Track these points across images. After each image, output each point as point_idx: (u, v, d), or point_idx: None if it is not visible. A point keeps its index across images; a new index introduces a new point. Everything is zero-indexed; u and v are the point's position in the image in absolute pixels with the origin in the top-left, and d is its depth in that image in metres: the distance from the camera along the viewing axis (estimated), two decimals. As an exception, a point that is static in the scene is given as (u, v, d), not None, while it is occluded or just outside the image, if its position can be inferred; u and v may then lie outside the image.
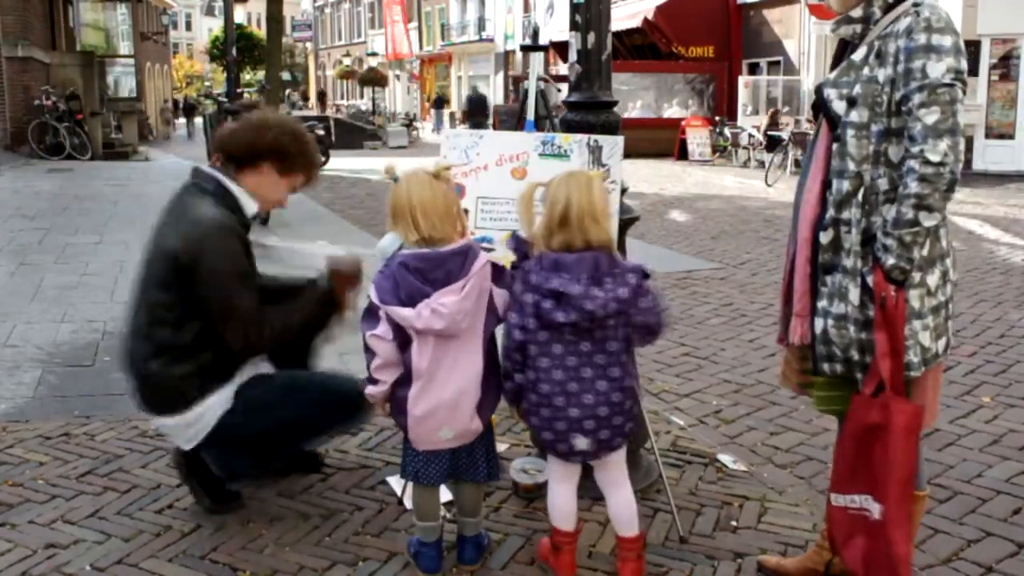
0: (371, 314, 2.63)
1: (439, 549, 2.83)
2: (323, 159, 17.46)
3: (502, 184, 3.16)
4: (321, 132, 18.39)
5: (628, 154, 3.31)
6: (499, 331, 2.77)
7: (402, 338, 2.61)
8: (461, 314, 2.56)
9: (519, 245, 2.71)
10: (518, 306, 2.59)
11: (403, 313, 2.55)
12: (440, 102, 41.20)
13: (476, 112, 30.46)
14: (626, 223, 3.27)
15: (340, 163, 17.77)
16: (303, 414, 3.10)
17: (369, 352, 2.65)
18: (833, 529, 2.51)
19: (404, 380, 2.65)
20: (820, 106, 2.45)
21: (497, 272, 2.69)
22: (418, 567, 2.82)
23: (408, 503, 3.23)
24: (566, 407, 2.57)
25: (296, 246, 3.13)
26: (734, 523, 3.16)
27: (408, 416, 2.65)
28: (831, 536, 2.54)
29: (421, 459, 2.73)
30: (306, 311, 3.13)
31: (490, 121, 25.02)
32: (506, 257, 2.81)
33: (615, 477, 2.76)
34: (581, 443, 2.61)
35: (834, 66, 2.51)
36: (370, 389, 2.70)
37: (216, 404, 3.01)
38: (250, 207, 3.08)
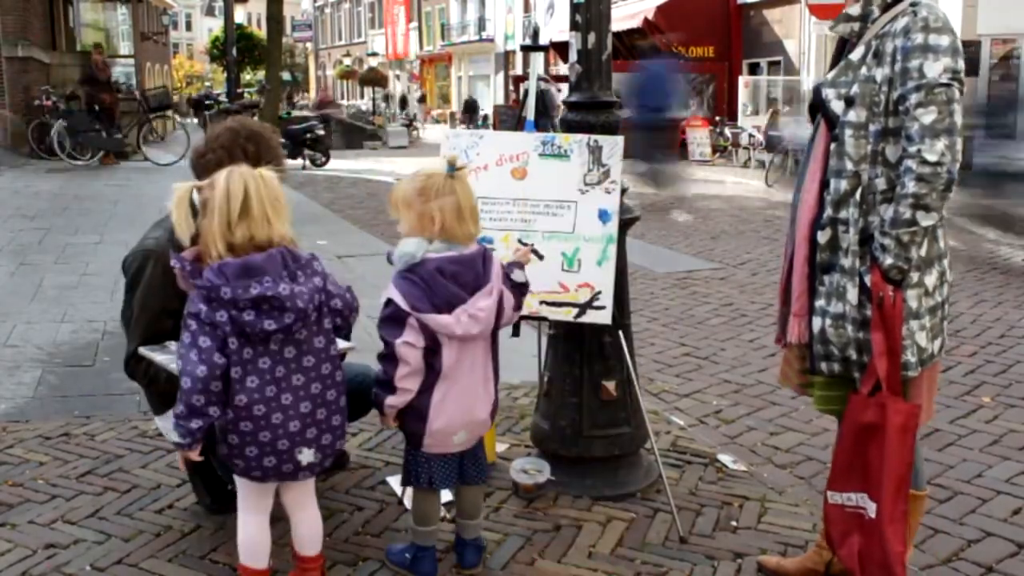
0: (395, 322, 2.50)
1: (434, 553, 2.81)
2: (323, 158, 17.53)
3: (502, 184, 3.16)
4: (321, 132, 18.42)
5: (628, 154, 3.31)
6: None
7: (429, 345, 2.53)
8: (491, 316, 2.56)
9: (180, 261, 2.37)
10: (208, 328, 2.29)
11: (442, 320, 2.47)
12: (387, 97, 42.06)
13: (468, 110, 31.70)
14: (626, 223, 3.27)
15: (340, 163, 17.78)
16: None
17: (392, 361, 2.52)
18: (829, 527, 2.52)
19: (423, 387, 2.58)
20: (818, 106, 2.45)
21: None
22: (417, 572, 2.78)
23: (408, 503, 3.23)
24: (285, 422, 2.38)
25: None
26: (734, 523, 3.16)
27: (428, 423, 2.59)
28: (827, 533, 2.55)
29: (435, 463, 2.68)
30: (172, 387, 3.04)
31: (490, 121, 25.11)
32: (505, 257, 2.82)
33: (308, 492, 2.61)
34: (307, 456, 2.44)
35: (832, 66, 2.52)
36: (391, 400, 2.56)
37: None
38: None
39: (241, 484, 2.55)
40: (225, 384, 2.33)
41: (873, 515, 2.36)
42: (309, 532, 2.63)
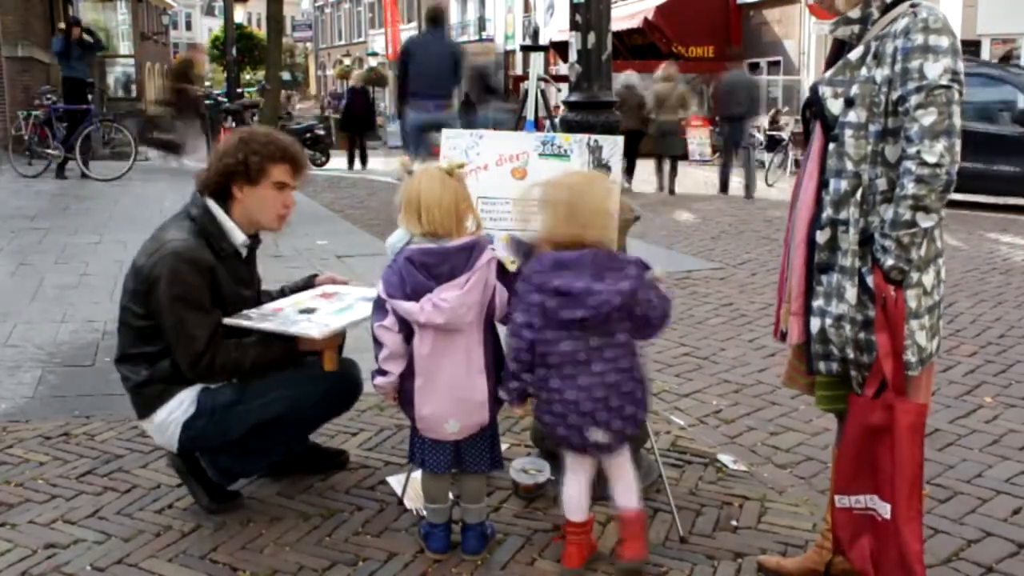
0: (380, 307, 2.71)
1: (448, 531, 2.92)
2: (323, 158, 17.55)
3: (502, 184, 3.16)
4: (321, 132, 18.43)
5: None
6: (501, 330, 2.80)
7: (408, 330, 2.69)
8: (464, 308, 2.63)
9: (519, 247, 2.74)
10: (524, 306, 2.61)
11: (406, 307, 2.64)
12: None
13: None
14: (626, 223, 3.27)
15: (340, 163, 17.78)
16: (273, 411, 3.07)
17: (378, 343, 2.73)
18: (838, 530, 2.51)
19: (411, 372, 2.72)
20: (813, 104, 2.45)
21: (500, 269, 2.75)
22: (427, 548, 2.91)
23: (408, 503, 3.24)
24: (578, 401, 2.60)
25: (276, 326, 3.04)
26: (734, 523, 3.16)
27: (415, 408, 2.74)
28: (836, 537, 2.54)
29: (428, 447, 2.82)
30: (264, 359, 3.05)
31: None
32: (506, 258, 2.82)
33: (625, 463, 2.79)
34: (597, 435, 2.64)
35: (827, 67, 2.52)
36: (378, 380, 2.77)
37: (177, 409, 3.04)
38: (237, 236, 3.10)
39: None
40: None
41: (887, 516, 2.35)
42: (625, 495, 2.79)
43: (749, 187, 13.19)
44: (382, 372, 2.75)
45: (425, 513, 2.98)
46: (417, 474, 3.15)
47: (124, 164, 13.14)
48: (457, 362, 2.69)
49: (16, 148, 13.58)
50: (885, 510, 2.36)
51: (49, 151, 13.13)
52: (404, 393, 2.77)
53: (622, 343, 2.63)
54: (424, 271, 2.65)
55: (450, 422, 2.74)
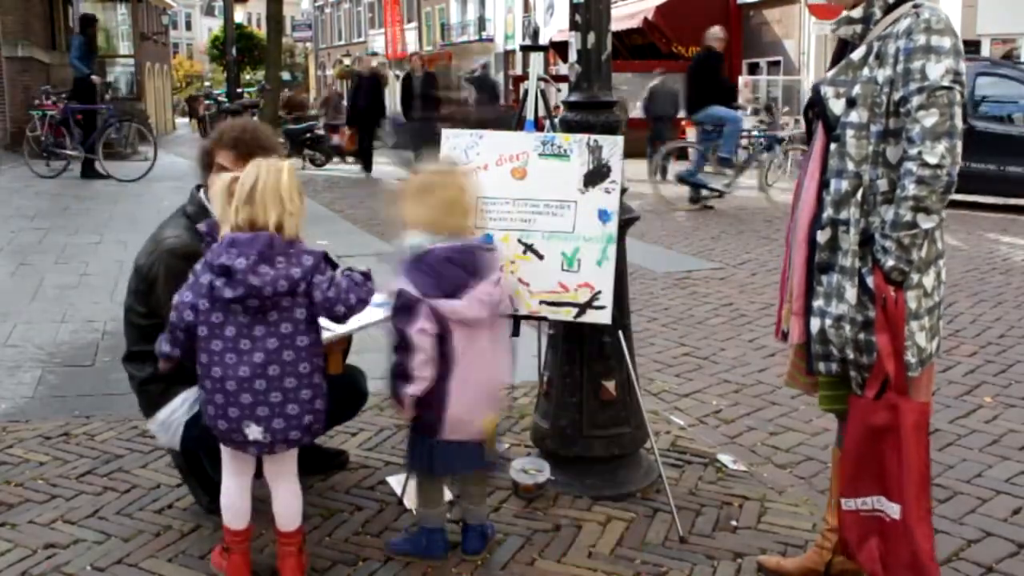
0: (408, 311, 2.58)
1: (444, 533, 2.90)
2: (323, 158, 17.51)
3: (502, 184, 3.16)
4: (322, 132, 18.41)
5: (628, 154, 3.31)
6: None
7: (441, 332, 2.61)
8: (502, 302, 2.69)
9: (209, 230, 2.67)
10: (196, 285, 2.53)
11: (452, 305, 2.58)
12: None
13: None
14: (626, 223, 3.27)
15: (340, 163, 17.76)
16: None
17: (406, 350, 2.58)
18: (845, 533, 2.50)
19: (437, 376, 2.63)
20: (815, 104, 2.45)
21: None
22: (428, 555, 2.87)
23: (408, 503, 3.23)
24: (237, 392, 2.50)
25: None
26: (734, 523, 3.16)
27: (447, 409, 2.64)
28: (843, 539, 2.53)
29: (453, 451, 2.71)
30: None
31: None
32: (506, 259, 2.83)
33: (284, 469, 2.69)
34: (254, 432, 2.52)
35: (832, 66, 2.52)
36: (411, 388, 2.60)
37: (180, 408, 3.04)
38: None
39: (222, 448, 2.67)
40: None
41: (896, 516, 2.35)
42: (281, 508, 2.69)
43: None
44: (413, 379, 2.59)
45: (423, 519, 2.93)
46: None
47: (140, 165, 13.15)
48: (485, 356, 2.69)
49: (29, 148, 13.53)
50: (894, 511, 2.36)
51: (67, 151, 13.10)
52: (432, 399, 2.63)
53: (287, 333, 2.50)
54: (462, 268, 2.64)
55: (478, 420, 2.70)
